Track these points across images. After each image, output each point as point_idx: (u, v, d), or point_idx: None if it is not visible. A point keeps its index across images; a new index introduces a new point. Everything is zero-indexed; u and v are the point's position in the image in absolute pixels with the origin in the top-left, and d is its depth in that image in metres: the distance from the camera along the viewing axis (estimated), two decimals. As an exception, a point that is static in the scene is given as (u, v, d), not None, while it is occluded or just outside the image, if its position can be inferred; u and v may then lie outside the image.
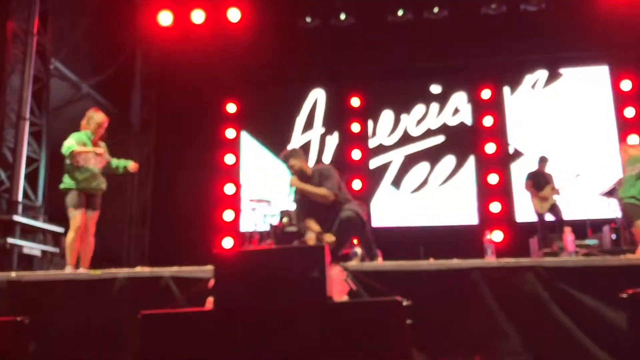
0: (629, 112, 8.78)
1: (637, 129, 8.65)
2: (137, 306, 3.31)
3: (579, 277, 3.88)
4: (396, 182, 9.28)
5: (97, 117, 5.20)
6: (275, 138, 9.62)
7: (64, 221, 6.06)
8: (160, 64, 9.39)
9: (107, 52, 8.71)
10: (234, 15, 9.14)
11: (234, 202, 9.34)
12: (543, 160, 7.85)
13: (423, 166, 9.26)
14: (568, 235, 4.81)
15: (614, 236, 6.83)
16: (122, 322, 3.81)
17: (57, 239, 6.78)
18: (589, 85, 9.10)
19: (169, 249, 8.39)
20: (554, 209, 7.52)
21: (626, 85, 8.85)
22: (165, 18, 9.19)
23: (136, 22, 9.23)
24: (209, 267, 3.64)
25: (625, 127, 8.73)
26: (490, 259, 4.57)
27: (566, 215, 7.58)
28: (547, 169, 7.72)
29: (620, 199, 5.56)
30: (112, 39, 8.75)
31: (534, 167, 7.84)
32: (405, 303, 3.02)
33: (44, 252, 6.62)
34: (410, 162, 9.32)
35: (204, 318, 3.12)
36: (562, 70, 9.25)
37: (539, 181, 7.62)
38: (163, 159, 9.36)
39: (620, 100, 8.89)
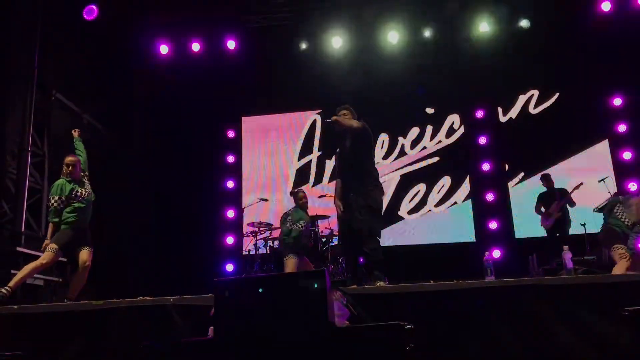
0: (621, 127, 8.88)
1: (629, 145, 8.74)
2: (139, 336, 3.33)
3: (580, 294, 3.90)
4: (394, 203, 9.32)
5: (65, 161, 5.40)
6: (275, 162, 9.72)
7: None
8: (159, 92, 9.50)
9: (107, 81, 8.82)
10: (231, 44, 9.32)
11: (235, 226, 9.39)
12: (546, 179, 7.98)
13: (420, 187, 9.33)
14: (566, 253, 4.84)
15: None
16: (125, 353, 3.81)
17: (60, 269, 6.79)
18: (581, 104, 9.20)
19: (172, 275, 8.39)
20: (559, 225, 7.67)
21: (617, 101, 8.96)
22: (163, 48, 9.35)
23: (135, 52, 9.35)
24: (210, 295, 3.67)
25: (618, 143, 8.81)
26: (491, 279, 4.60)
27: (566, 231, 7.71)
28: (553, 185, 7.88)
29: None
30: (112, 69, 8.87)
31: (538, 186, 8.03)
32: (407, 327, 3.04)
33: (46, 282, 6.63)
34: (407, 182, 9.38)
35: (205, 347, 3.13)
36: (554, 90, 9.35)
37: (548, 201, 7.81)
38: (163, 186, 9.41)
39: (613, 116, 8.98)
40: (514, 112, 9.40)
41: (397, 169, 9.48)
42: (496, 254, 8.56)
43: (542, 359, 3.76)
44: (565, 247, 4.92)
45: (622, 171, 8.59)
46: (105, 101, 8.83)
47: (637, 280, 4.11)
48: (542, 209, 7.97)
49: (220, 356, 3.07)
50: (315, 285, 3.06)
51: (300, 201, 6.72)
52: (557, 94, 9.30)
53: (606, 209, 6.12)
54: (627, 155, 8.72)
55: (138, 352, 3.05)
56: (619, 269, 5.47)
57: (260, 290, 3.11)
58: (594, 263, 6.56)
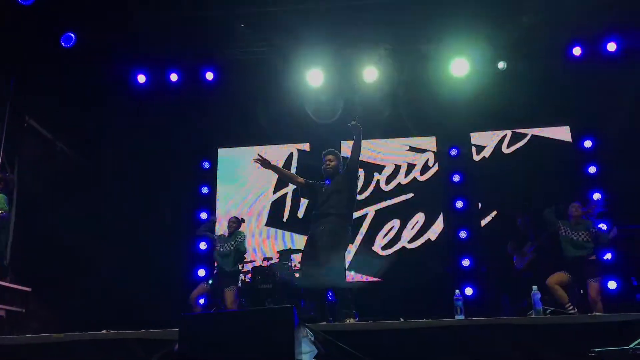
0: (591, 169, 9.10)
1: (598, 185, 8.94)
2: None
3: (547, 335, 3.92)
4: (369, 238, 9.34)
5: None
6: (249, 194, 9.70)
7: (33, 280, 5.96)
8: (135, 121, 9.45)
9: (82, 109, 8.77)
10: (209, 75, 9.37)
11: (206, 258, 9.28)
12: (521, 217, 8.10)
13: (394, 223, 9.37)
14: (535, 293, 4.88)
15: (581, 291, 6.97)
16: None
17: (23, 299, 6.61)
18: (552, 145, 9.43)
19: (141, 308, 8.22)
20: (532, 265, 7.76)
21: (587, 143, 9.20)
22: (140, 77, 9.35)
23: (112, 80, 9.33)
24: (175, 329, 3.59)
25: (588, 184, 9.01)
26: (460, 317, 4.60)
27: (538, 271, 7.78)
28: (527, 225, 7.99)
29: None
30: (88, 97, 8.83)
31: (510, 225, 8.15)
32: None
33: (8, 312, 6.43)
34: (381, 218, 9.43)
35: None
36: (527, 130, 9.58)
37: (519, 241, 7.92)
38: (136, 215, 9.28)
39: (582, 158, 9.20)
40: (487, 152, 9.58)
41: (372, 205, 9.52)
42: (468, 291, 8.59)
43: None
44: (534, 287, 4.96)
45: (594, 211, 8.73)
46: (80, 129, 8.76)
47: (603, 321, 4.15)
48: (516, 249, 8.04)
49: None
50: (283, 322, 3.04)
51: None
52: (529, 135, 9.52)
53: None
54: (596, 196, 8.90)
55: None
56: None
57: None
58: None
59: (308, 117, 9.62)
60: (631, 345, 3.46)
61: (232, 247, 7.30)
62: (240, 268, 7.57)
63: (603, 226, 7.84)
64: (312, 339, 3.64)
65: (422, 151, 9.72)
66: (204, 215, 9.55)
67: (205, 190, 9.79)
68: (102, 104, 9.17)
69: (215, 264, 7.72)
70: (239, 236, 7.41)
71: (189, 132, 9.61)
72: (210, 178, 9.87)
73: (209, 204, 9.68)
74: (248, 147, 10.01)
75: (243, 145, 10.02)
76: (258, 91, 9.52)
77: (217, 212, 9.60)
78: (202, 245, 9.36)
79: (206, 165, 9.89)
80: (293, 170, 9.82)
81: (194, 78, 9.46)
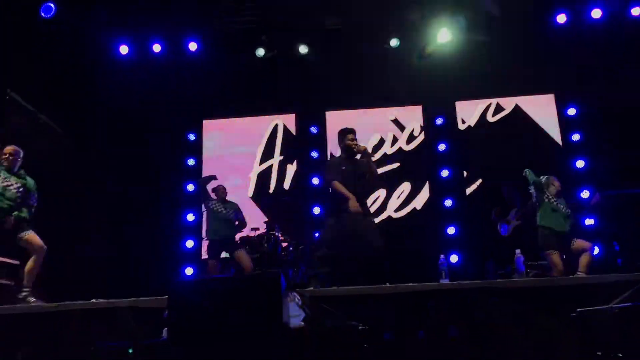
0: (575, 136, 9.19)
1: (582, 153, 9.04)
2: (93, 339, 3.28)
3: (530, 296, 4.02)
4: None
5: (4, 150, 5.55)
6: (235, 166, 9.68)
7: (20, 254, 5.95)
8: (119, 93, 9.33)
9: (64, 82, 8.64)
10: (192, 46, 9.26)
11: (195, 230, 9.30)
12: (506, 186, 8.20)
13: (380, 192, 9.43)
14: (518, 257, 4.98)
15: (563, 256, 7.11)
16: (79, 356, 3.74)
17: (12, 272, 6.60)
18: (537, 113, 9.49)
19: (129, 278, 8.26)
20: (518, 233, 7.89)
21: (571, 111, 9.27)
22: (123, 48, 9.21)
23: (94, 51, 9.19)
24: (164, 297, 3.63)
25: (572, 152, 9.11)
26: (445, 282, 4.69)
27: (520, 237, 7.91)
28: (512, 193, 8.09)
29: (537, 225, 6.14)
30: (70, 69, 8.70)
31: (495, 193, 8.24)
32: (361, 328, 3.09)
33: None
34: (368, 188, 9.47)
35: (159, 349, 3.11)
36: (512, 99, 9.61)
37: (504, 208, 8.02)
38: (122, 188, 9.24)
39: (567, 126, 9.28)
40: (472, 120, 9.63)
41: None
42: (454, 258, 8.71)
43: (494, 360, 3.87)
44: (518, 251, 5.07)
45: (575, 180, 8.85)
46: (63, 102, 8.64)
47: (585, 283, 4.27)
48: (501, 216, 8.16)
49: (174, 357, 3.05)
50: (270, 287, 3.08)
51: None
52: (514, 104, 9.57)
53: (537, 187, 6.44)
54: (580, 163, 9.02)
55: (91, 355, 3.01)
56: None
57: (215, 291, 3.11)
58: (547, 267, 6.73)
59: (293, 87, 9.58)
60: (610, 305, 3.57)
61: (232, 215, 7.45)
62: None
63: (586, 193, 8.00)
64: (300, 303, 3.71)
65: (408, 121, 9.72)
66: (190, 187, 9.54)
67: (191, 162, 9.73)
68: (84, 76, 9.05)
69: (204, 234, 7.73)
70: (236, 206, 7.61)
71: (173, 103, 9.51)
72: (196, 150, 9.81)
73: (196, 176, 9.65)
74: (233, 119, 9.97)
75: (228, 117, 9.97)
76: (242, 62, 9.43)
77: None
78: (190, 217, 9.38)
79: (192, 137, 9.83)
80: (279, 141, 9.83)
81: (177, 49, 9.34)
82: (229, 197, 7.72)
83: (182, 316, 3.14)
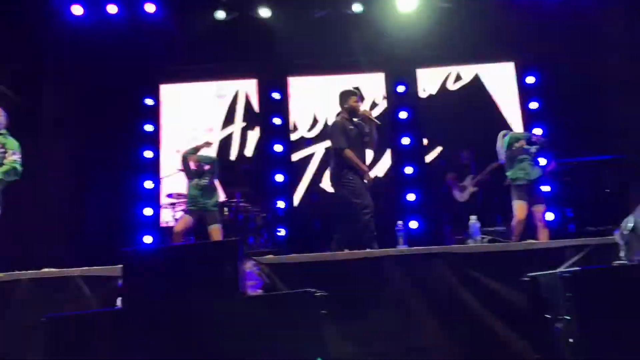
0: (533, 105, 9.33)
1: (540, 121, 9.20)
2: (44, 309, 3.20)
3: (484, 262, 4.11)
4: (318, 175, 9.40)
5: None
6: (195, 131, 9.51)
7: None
8: (73, 57, 8.99)
9: (15, 44, 8.25)
10: (149, 7, 8.94)
11: (153, 197, 9.15)
12: (463, 152, 8.31)
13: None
14: (474, 223, 5.08)
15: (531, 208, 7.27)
16: (29, 327, 3.66)
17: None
18: (497, 81, 9.58)
19: (85, 247, 8.11)
20: (472, 197, 8.02)
21: (530, 79, 9.39)
22: (76, 8, 8.83)
23: (46, 12, 8.78)
24: (119, 266, 3.57)
25: (530, 119, 9.26)
26: (402, 247, 4.75)
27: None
28: (470, 160, 8.20)
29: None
30: (20, 31, 8.30)
31: (452, 159, 8.33)
32: (318, 294, 3.09)
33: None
34: (330, 155, 9.42)
35: (113, 318, 3.06)
36: (472, 67, 9.66)
37: (461, 172, 8.12)
38: (77, 155, 8.99)
39: (525, 94, 9.41)
40: (433, 88, 9.66)
41: (320, 142, 9.52)
42: (414, 225, 8.83)
43: (449, 324, 3.96)
44: (473, 217, 5.16)
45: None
46: (14, 66, 8.26)
47: (537, 248, 4.38)
48: (457, 181, 8.27)
49: (128, 327, 3.00)
50: (227, 255, 3.05)
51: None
52: (475, 72, 9.63)
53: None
54: (537, 131, 9.16)
55: (41, 326, 2.93)
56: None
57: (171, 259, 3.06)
58: (503, 233, 6.90)
59: (254, 52, 9.39)
60: (559, 269, 3.68)
61: (209, 180, 6.64)
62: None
63: (542, 160, 8.12)
64: (258, 271, 3.70)
65: (370, 88, 9.69)
66: (148, 154, 9.33)
67: (149, 128, 9.50)
68: (36, 38, 8.65)
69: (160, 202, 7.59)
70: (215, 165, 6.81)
71: (129, 68, 9.19)
72: (154, 115, 9.58)
73: (153, 141, 9.45)
74: (192, 83, 9.75)
75: (187, 81, 9.74)
76: (201, 25, 9.16)
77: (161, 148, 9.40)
78: (148, 184, 9.20)
79: (149, 101, 9.56)
80: (240, 107, 9.68)
81: (134, 11, 9.00)
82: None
83: (137, 285, 3.08)
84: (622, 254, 3.68)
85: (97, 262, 4.27)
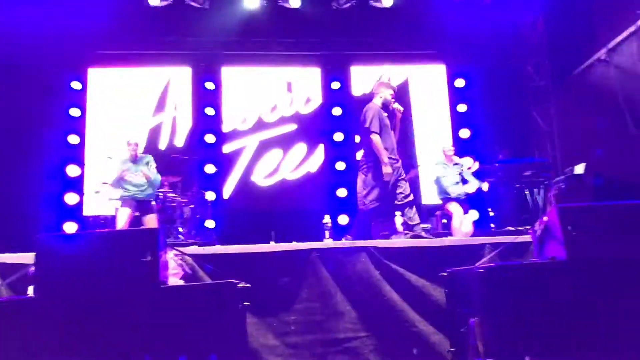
0: (461, 107, 9.65)
1: (467, 124, 9.54)
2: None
3: (406, 257, 4.22)
4: (249, 168, 9.34)
5: None
6: (123, 119, 9.21)
7: None
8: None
9: None
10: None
11: (77, 185, 8.80)
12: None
13: (276, 153, 9.42)
14: (398, 219, 5.20)
15: (444, 220, 7.55)
16: None
17: None
18: (428, 82, 9.85)
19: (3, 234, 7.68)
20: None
21: (459, 83, 9.70)
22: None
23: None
24: (31, 253, 3.42)
25: (458, 122, 9.58)
26: (328, 241, 4.81)
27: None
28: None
29: None
30: None
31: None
32: (241, 285, 3.08)
33: None
34: (263, 148, 9.43)
35: (25, 306, 2.93)
36: (405, 67, 9.87)
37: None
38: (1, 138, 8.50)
39: (454, 96, 9.72)
40: (367, 87, 9.79)
41: (254, 134, 9.46)
42: (343, 220, 8.92)
43: (369, 317, 4.04)
44: (398, 213, 5.29)
45: (460, 149, 9.31)
46: None
47: (457, 244, 4.54)
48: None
49: (41, 316, 2.89)
50: (146, 244, 2.98)
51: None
52: (407, 72, 9.84)
53: None
54: (464, 133, 9.52)
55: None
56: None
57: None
58: (428, 231, 7.10)
59: (188, 39, 9.20)
60: (476, 265, 3.83)
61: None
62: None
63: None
64: (180, 261, 3.64)
65: (306, 83, 9.72)
66: (74, 140, 8.94)
67: (76, 113, 9.10)
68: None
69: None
70: (150, 162, 7.08)
71: (56, 49, 8.77)
72: (81, 99, 9.19)
73: (79, 127, 9.07)
74: (122, 68, 9.44)
75: (115, 66, 9.41)
76: (133, 9, 8.85)
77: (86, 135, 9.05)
78: (72, 170, 8.82)
79: (76, 85, 9.16)
80: (172, 95, 9.48)
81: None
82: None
83: (51, 273, 2.96)
84: (535, 251, 3.86)
85: (10, 250, 4.06)
